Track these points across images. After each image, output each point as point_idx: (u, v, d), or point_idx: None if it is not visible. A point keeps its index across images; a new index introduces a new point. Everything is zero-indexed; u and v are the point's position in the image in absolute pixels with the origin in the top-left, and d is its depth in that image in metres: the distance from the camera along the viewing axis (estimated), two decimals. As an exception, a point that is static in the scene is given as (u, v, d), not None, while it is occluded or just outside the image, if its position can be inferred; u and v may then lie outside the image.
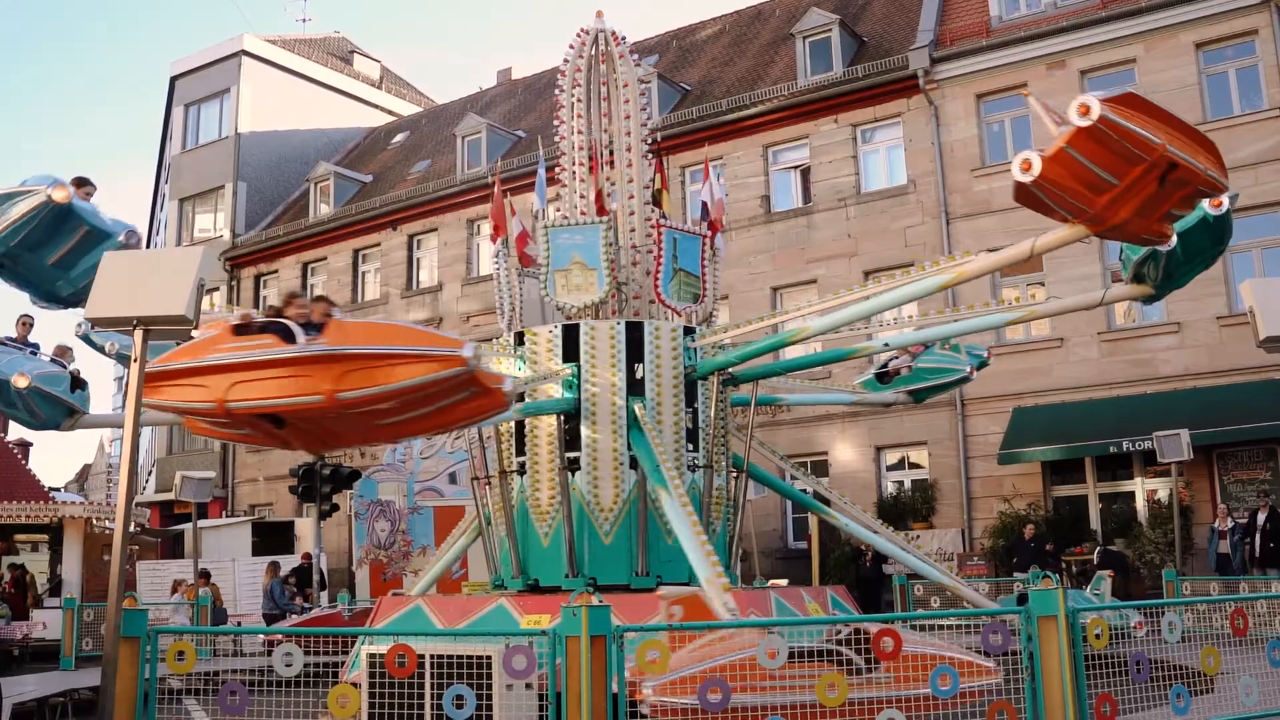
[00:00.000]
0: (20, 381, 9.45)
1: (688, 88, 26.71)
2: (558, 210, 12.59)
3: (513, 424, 11.30)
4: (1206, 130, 19.30)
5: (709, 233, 12.27)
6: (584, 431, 10.69)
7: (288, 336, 7.08)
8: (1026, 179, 7.69)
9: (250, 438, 8.14)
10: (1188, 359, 19.05)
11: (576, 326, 10.95)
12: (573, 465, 10.60)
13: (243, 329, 7.32)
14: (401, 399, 7.08)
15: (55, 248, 8.21)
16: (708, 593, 9.01)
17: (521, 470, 11.14)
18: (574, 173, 11.96)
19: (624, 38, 12.39)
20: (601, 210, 11.82)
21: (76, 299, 9.20)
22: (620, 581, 10.11)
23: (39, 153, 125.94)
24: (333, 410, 7.10)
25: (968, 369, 13.72)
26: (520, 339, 11.39)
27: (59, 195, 7.92)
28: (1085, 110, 7.30)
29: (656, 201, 12.23)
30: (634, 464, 10.40)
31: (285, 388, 7.04)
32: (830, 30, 23.75)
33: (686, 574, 10.41)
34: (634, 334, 10.94)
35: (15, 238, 8.24)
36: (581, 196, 11.86)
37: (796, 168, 23.76)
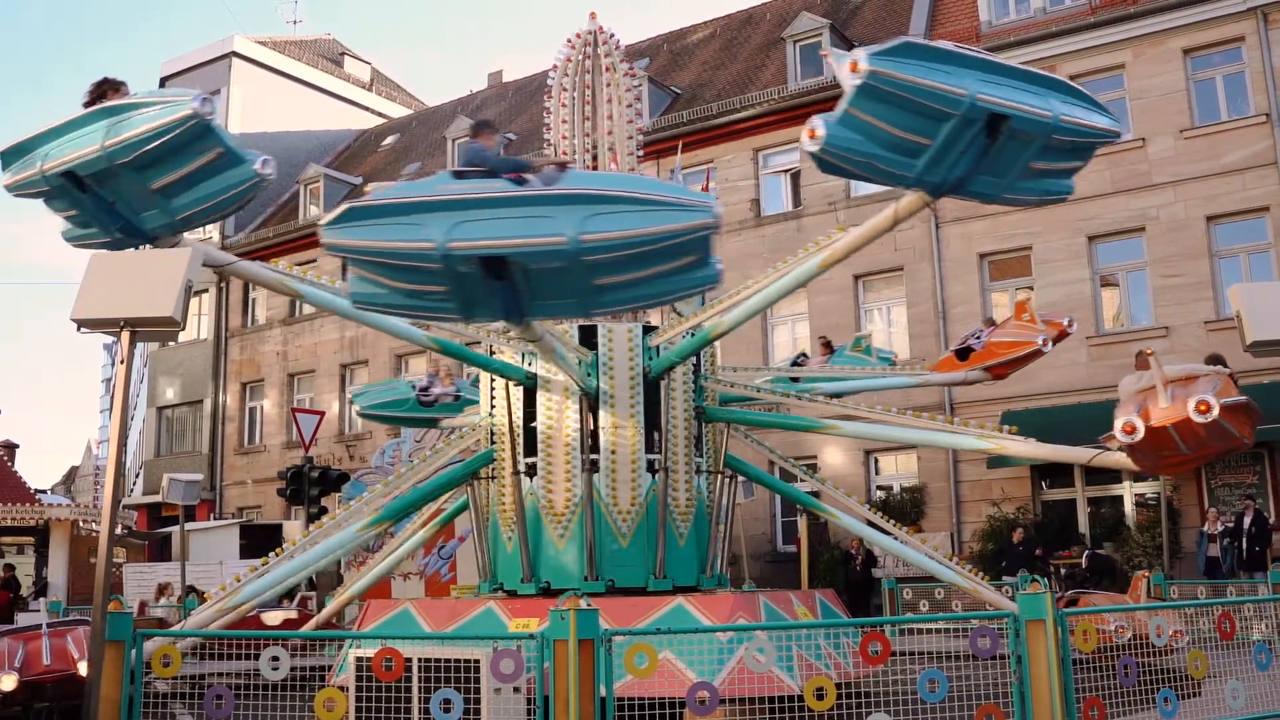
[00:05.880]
0: None
1: (678, 91, 26.72)
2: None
3: (496, 426, 11.25)
4: (1193, 136, 19.69)
5: None
6: (539, 429, 10.61)
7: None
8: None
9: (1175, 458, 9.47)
10: (1177, 363, 19.07)
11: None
12: (529, 471, 10.59)
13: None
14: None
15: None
16: (970, 588, 9.74)
17: (492, 477, 11.08)
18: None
19: (614, 36, 12.39)
20: None
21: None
22: (571, 585, 9.98)
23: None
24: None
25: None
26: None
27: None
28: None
29: None
30: (584, 466, 10.33)
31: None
32: (821, 34, 23.81)
33: (643, 578, 10.29)
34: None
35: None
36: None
37: (787, 171, 23.79)
